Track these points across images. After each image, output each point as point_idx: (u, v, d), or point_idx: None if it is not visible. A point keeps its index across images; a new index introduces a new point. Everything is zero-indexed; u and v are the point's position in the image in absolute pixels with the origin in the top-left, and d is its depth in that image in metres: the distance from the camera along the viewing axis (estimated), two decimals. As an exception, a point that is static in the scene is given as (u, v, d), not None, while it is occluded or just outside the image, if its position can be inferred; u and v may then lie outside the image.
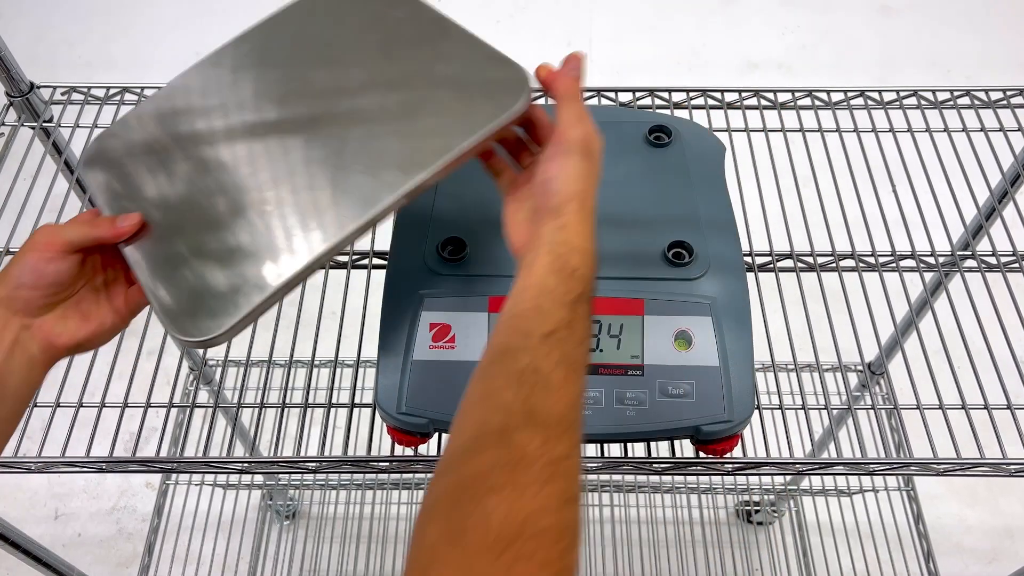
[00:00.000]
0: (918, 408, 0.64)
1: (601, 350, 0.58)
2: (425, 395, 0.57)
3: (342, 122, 0.52)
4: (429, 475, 1.46)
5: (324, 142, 0.51)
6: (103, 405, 0.67)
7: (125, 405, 0.67)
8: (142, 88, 0.85)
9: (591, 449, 0.65)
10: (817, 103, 0.83)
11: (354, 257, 0.73)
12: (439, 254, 0.62)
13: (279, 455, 0.63)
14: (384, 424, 0.61)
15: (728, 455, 0.60)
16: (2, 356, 0.49)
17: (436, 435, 0.61)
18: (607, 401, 0.56)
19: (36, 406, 0.64)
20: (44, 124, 0.82)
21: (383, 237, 0.70)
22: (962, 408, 0.64)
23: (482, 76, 0.52)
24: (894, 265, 0.73)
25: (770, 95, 0.83)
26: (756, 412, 0.61)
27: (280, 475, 1.37)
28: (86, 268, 0.52)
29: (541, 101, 0.54)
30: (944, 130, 0.80)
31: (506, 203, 0.52)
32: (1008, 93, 0.82)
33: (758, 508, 1.40)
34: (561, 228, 0.46)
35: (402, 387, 0.57)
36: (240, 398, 0.70)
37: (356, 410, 0.66)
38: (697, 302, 0.59)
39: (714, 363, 0.57)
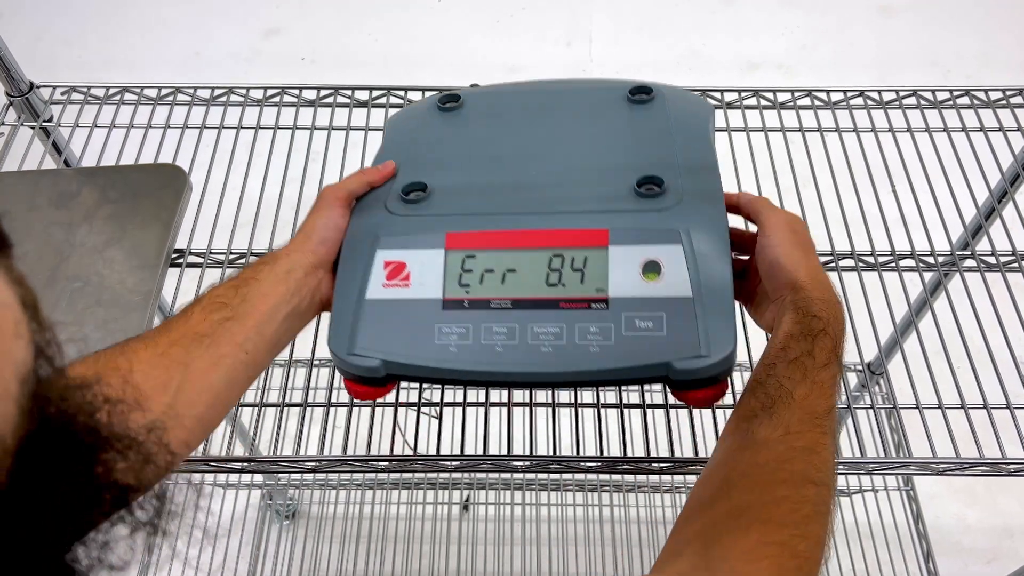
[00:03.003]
0: (917, 408, 0.64)
1: (564, 284, 0.53)
2: (377, 335, 0.53)
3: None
4: (429, 474, 1.45)
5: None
6: (103, 405, 0.67)
7: (125, 405, 0.67)
8: (142, 88, 0.85)
9: (590, 448, 0.65)
10: (817, 103, 0.83)
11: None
12: (401, 198, 0.59)
13: (279, 455, 0.63)
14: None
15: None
16: (307, 302, 0.55)
17: (395, 388, 0.58)
18: (568, 338, 0.51)
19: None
20: (44, 124, 0.82)
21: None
22: (961, 408, 0.64)
23: None
24: (893, 265, 0.73)
25: (770, 95, 0.83)
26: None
27: (280, 475, 1.37)
28: None
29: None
30: (944, 130, 0.80)
31: (749, 308, 0.59)
32: (1008, 93, 0.82)
33: (758, 508, 1.40)
34: (799, 290, 0.51)
35: (354, 328, 0.54)
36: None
37: (356, 410, 0.66)
38: (667, 230, 0.54)
39: (686, 294, 0.52)
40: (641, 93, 0.65)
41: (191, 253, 0.74)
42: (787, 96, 0.84)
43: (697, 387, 0.52)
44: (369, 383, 0.55)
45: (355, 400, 0.68)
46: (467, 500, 1.39)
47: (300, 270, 0.55)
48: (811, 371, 0.48)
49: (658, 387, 0.70)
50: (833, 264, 0.73)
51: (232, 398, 0.52)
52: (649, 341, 0.51)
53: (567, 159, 0.61)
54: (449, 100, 0.66)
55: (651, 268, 0.53)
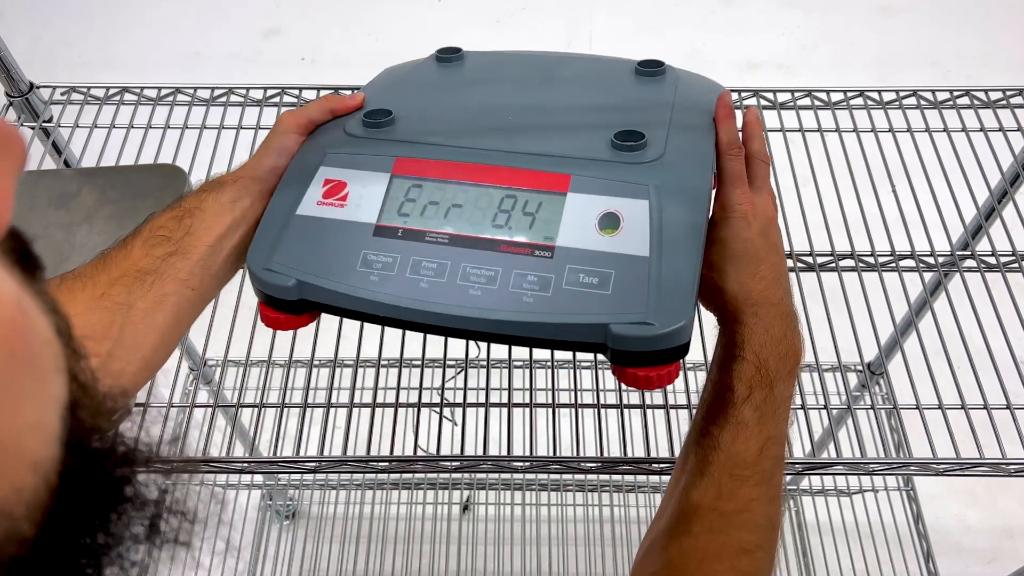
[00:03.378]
0: (918, 408, 0.64)
1: (510, 227, 0.48)
2: (298, 253, 0.49)
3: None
4: (429, 474, 1.45)
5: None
6: (103, 405, 0.67)
7: (125, 405, 0.67)
8: (142, 88, 0.85)
9: (590, 448, 0.65)
10: (817, 103, 0.83)
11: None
12: (362, 121, 0.55)
13: (279, 455, 0.63)
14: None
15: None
16: (254, 232, 0.51)
17: (314, 323, 0.53)
18: (502, 283, 0.46)
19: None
20: (44, 124, 0.82)
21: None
22: (961, 408, 0.64)
23: None
24: (894, 265, 0.73)
25: (770, 95, 0.83)
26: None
27: (280, 475, 1.37)
28: None
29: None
30: (944, 130, 0.80)
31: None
32: (1008, 93, 0.82)
33: (758, 508, 1.40)
34: (726, 302, 0.49)
35: (276, 243, 0.49)
36: (240, 398, 0.70)
37: (355, 410, 0.66)
38: (636, 184, 0.48)
39: (643, 253, 0.45)
40: (651, 67, 0.61)
41: (191, 253, 0.74)
42: (787, 96, 0.84)
43: (639, 363, 0.45)
44: (283, 308, 0.50)
45: (355, 400, 0.68)
46: (467, 501, 1.39)
47: (247, 198, 0.51)
48: (730, 409, 0.46)
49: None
50: (833, 264, 0.73)
51: (179, 335, 0.50)
52: (590, 298, 0.44)
53: (552, 112, 0.57)
54: (449, 52, 0.63)
55: (610, 222, 0.47)
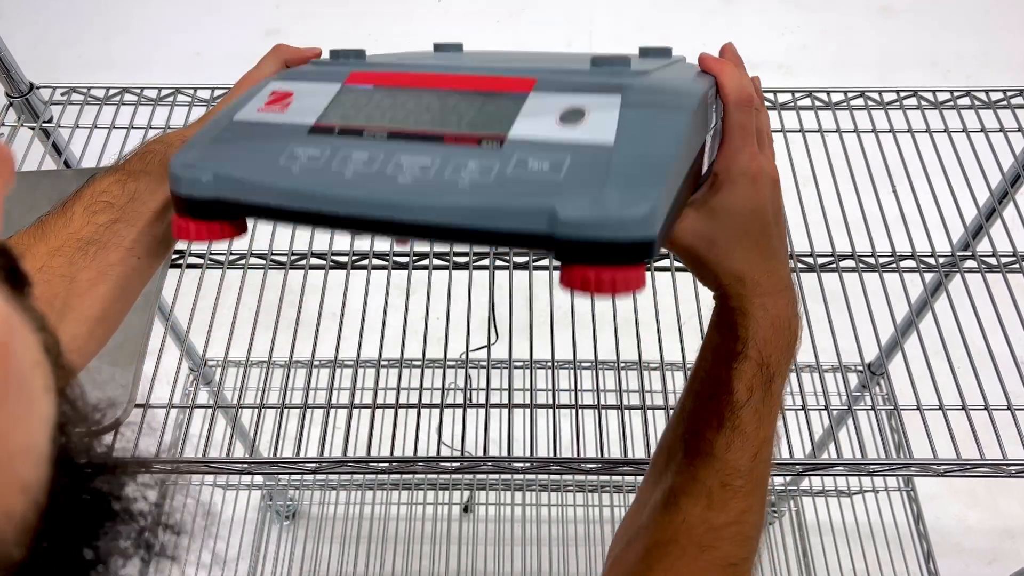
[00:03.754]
0: (918, 408, 0.64)
1: (458, 122, 0.42)
2: (224, 154, 0.43)
3: None
4: (429, 475, 1.44)
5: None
6: (103, 405, 0.67)
7: (125, 405, 0.67)
8: (142, 88, 0.85)
9: (590, 449, 0.65)
10: (817, 103, 0.83)
11: (354, 258, 0.73)
12: (331, 52, 0.50)
13: (279, 456, 0.63)
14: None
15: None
16: None
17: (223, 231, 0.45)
18: (438, 170, 0.39)
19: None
20: (44, 124, 0.82)
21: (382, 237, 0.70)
22: (962, 408, 0.64)
23: None
24: (894, 265, 0.73)
25: (770, 95, 0.83)
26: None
27: (280, 475, 1.36)
28: None
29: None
30: (944, 130, 0.80)
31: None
32: (1008, 94, 0.82)
33: (758, 508, 1.40)
34: (724, 282, 0.43)
35: (204, 146, 0.44)
36: (240, 398, 0.70)
37: (356, 411, 0.66)
38: (610, 84, 0.41)
39: (607, 141, 0.38)
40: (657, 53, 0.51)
41: (191, 253, 0.74)
42: (787, 96, 0.84)
43: (590, 259, 0.36)
44: (197, 212, 0.43)
45: (355, 401, 0.68)
46: (468, 502, 1.39)
47: None
48: (728, 414, 0.42)
49: (658, 387, 0.70)
50: (834, 265, 0.73)
51: (127, 305, 0.47)
52: (537, 184, 0.37)
53: (536, 60, 0.50)
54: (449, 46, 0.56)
55: (573, 115, 0.40)
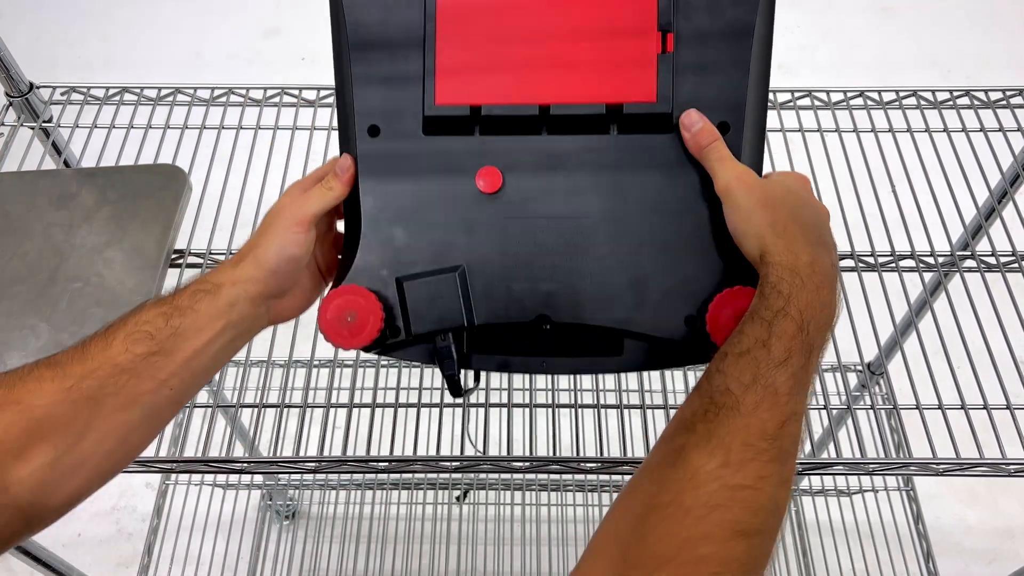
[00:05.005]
0: (917, 408, 0.64)
1: None
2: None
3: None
4: (429, 474, 1.44)
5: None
6: (103, 405, 0.66)
7: (125, 405, 0.67)
8: (142, 88, 0.85)
9: (590, 448, 0.65)
10: (817, 103, 0.83)
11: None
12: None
13: (279, 455, 0.63)
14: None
15: None
16: (247, 331, 0.50)
17: None
18: None
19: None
20: (44, 124, 0.82)
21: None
22: (961, 408, 0.64)
23: None
24: (893, 265, 0.73)
25: (770, 95, 0.83)
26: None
27: (280, 475, 1.37)
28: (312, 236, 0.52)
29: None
30: (944, 130, 0.80)
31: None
32: (1008, 93, 0.82)
33: (758, 508, 1.40)
34: (764, 258, 0.45)
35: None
36: (239, 398, 0.70)
37: (355, 410, 0.66)
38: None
39: None
40: None
41: (191, 253, 0.74)
42: (787, 96, 0.84)
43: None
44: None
45: (354, 400, 0.68)
46: (465, 491, 1.39)
47: (245, 303, 0.49)
48: (764, 370, 0.40)
49: (657, 387, 0.70)
50: (833, 264, 0.73)
51: (152, 431, 0.48)
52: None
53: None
54: None
55: None
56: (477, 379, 0.54)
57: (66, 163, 0.84)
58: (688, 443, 0.40)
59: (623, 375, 0.75)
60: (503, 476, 1.35)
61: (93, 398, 0.43)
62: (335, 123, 0.83)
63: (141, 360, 0.45)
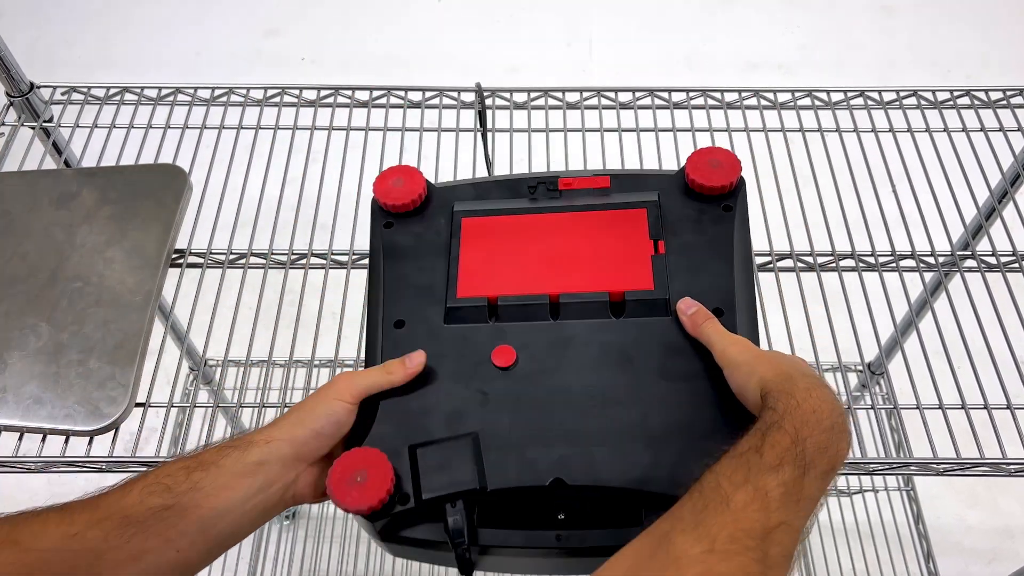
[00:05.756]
0: (918, 408, 0.64)
1: None
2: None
3: None
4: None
5: None
6: (103, 405, 0.66)
7: (125, 405, 0.67)
8: (142, 88, 0.85)
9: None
10: (817, 103, 0.83)
11: (354, 257, 0.73)
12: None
13: (279, 455, 0.63)
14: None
15: None
16: (275, 499, 0.47)
17: None
18: None
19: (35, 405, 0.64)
20: (44, 124, 0.82)
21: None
22: (962, 408, 0.64)
23: None
24: (894, 265, 0.73)
25: (770, 95, 0.83)
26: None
27: (280, 475, 1.36)
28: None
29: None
30: (944, 130, 0.80)
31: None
32: (1008, 93, 0.82)
33: (758, 508, 1.40)
34: (764, 390, 0.46)
35: None
36: (240, 398, 0.70)
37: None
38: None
39: None
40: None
41: (191, 253, 0.74)
42: (787, 96, 0.84)
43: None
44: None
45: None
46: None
47: (277, 463, 0.46)
48: (755, 472, 0.40)
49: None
50: (833, 264, 0.73)
51: None
52: None
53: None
54: None
55: None
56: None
57: (66, 163, 0.84)
58: (674, 529, 0.39)
59: None
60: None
61: (95, 550, 0.41)
62: (336, 123, 0.83)
63: (152, 514, 0.42)
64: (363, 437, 0.51)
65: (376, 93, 0.85)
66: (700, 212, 0.60)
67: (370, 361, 0.57)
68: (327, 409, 0.49)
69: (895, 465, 0.62)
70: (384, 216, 0.62)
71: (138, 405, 0.66)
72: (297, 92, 0.85)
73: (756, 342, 0.55)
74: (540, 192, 0.62)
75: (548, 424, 0.51)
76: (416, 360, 0.53)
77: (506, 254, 0.58)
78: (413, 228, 0.61)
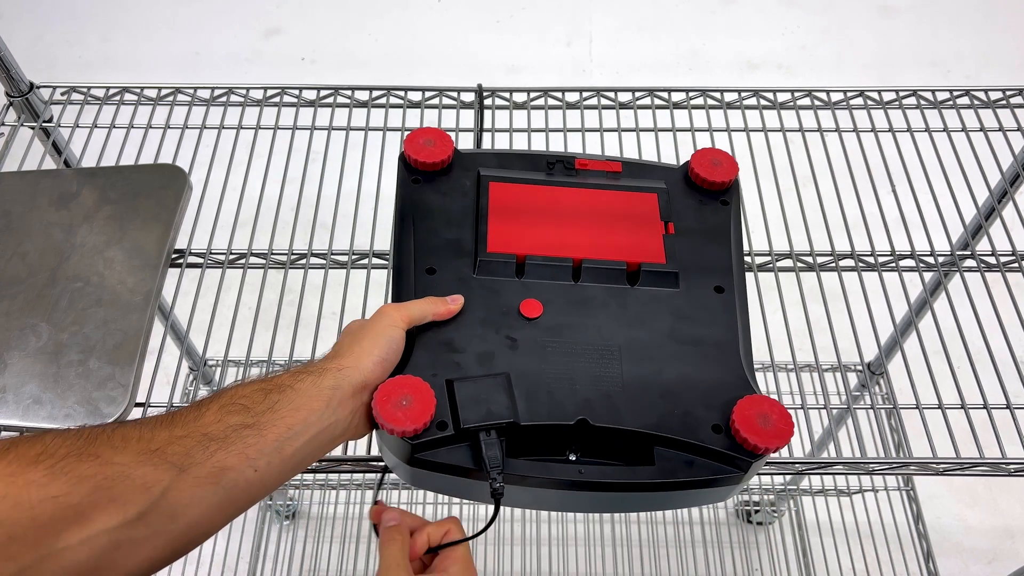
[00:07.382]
0: (917, 408, 0.64)
1: None
2: None
3: None
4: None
5: None
6: (103, 405, 0.67)
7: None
8: (142, 88, 0.85)
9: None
10: (817, 103, 0.83)
11: (354, 257, 0.73)
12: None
13: (279, 455, 0.63)
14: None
15: None
16: (342, 428, 0.49)
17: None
18: None
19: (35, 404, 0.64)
20: (44, 124, 0.82)
21: (382, 237, 0.70)
22: (961, 408, 0.64)
23: None
24: (893, 265, 0.73)
25: (770, 95, 0.83)
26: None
27: (280, 475, 1.36)
28: None
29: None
30: (943, 130, 0.80)
31: None
32: (1007, 93, 0.83)
33: (758, 508, 1.40)
34: None
35: None
36: (240, 398, 0.69)
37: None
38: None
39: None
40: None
41: (191, 253, 0.74)
42: (787, 96, 0.84)
43: None
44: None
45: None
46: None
47: (348, 387, 0.48)
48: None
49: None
50: (833, 264, 0.73)
51: (222, 519, 0.44)
52: None
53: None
54: None
55: None
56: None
57: (66, 163, 0.84)
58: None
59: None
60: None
61: (177, 465, 0.40)
62: (336, 123, 0.83)
63: (232, 431, 0.43)
64: (402, 367, 0.55)
65: (376, 93, 0.85)
66: (701, 203, 0.66)
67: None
68: (388, 335, 0.52)
69: (895, 465, 0.62)
70: (411, 172, 0.66)
71: (138, 405, 0.66)
72: (297, 92, 0.85)
73: (747, 323, 0.61)
74: (558, 169, 0.67)
75: (573, 370, 0.55)
76: (459, 300, 0.57)
77: (532, 218, 0.64)
78: (440, 187, 0.66)
